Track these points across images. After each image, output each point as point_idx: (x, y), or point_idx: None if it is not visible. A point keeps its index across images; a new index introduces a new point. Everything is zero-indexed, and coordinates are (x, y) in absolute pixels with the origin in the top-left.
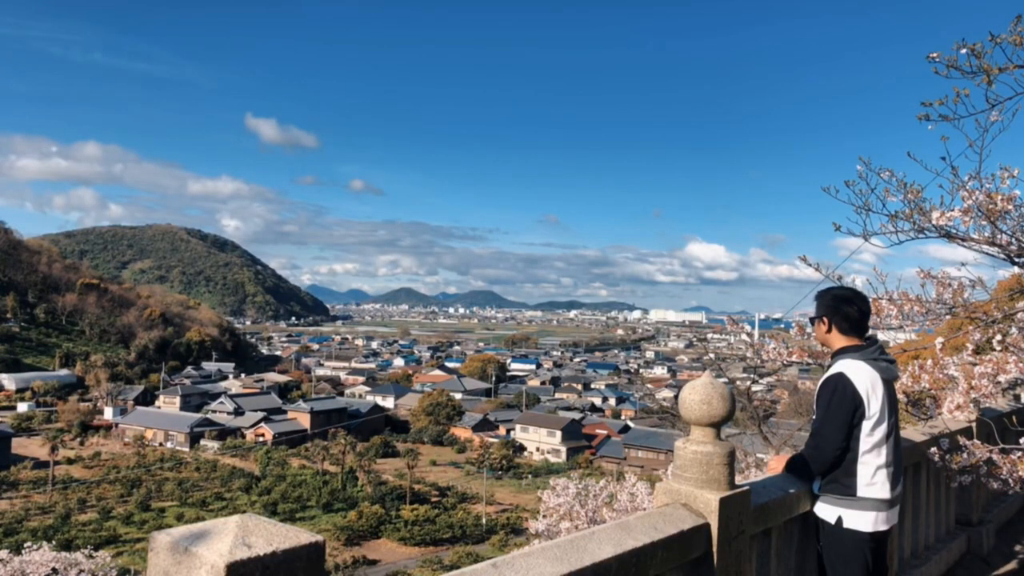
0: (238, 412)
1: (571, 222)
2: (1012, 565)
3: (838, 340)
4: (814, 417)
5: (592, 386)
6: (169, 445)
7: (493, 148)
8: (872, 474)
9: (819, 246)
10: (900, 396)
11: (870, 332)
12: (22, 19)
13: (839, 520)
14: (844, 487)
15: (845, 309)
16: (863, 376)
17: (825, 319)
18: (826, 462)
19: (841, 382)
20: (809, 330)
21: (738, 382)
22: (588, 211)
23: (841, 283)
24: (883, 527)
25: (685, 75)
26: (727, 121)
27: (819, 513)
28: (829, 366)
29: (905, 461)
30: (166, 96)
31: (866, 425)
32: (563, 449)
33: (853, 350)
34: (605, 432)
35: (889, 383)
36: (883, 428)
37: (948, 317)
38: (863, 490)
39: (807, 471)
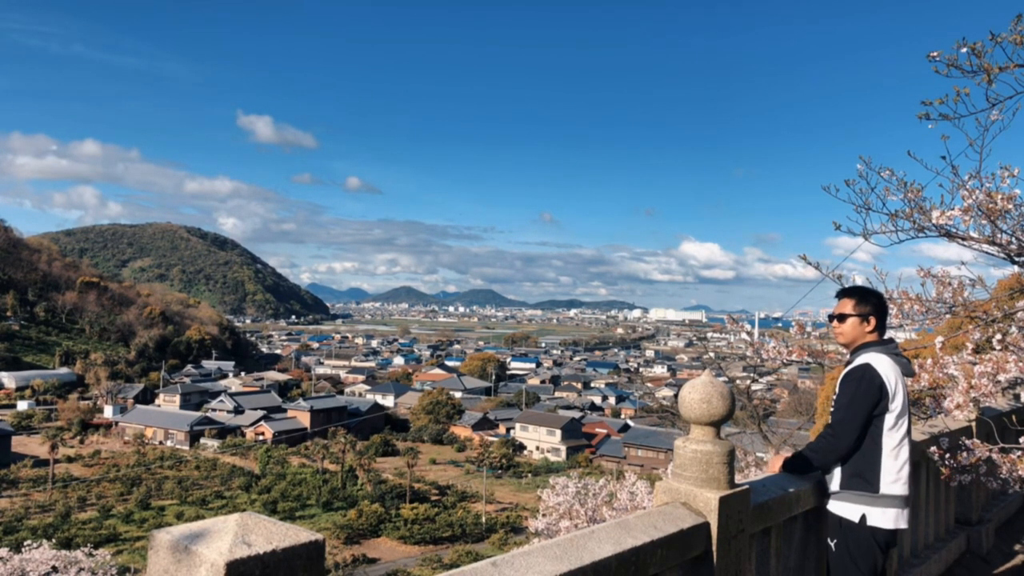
0: (238, 410)
1: (566, 220)
2: (1011, 564)
3: (870, 337)
4: (834, 407)
5: (592, 385)
6: (169, 443)
7: (487, 146)
8: (897, 470)
9: (815, 245)
10: None
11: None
12: None
13: (863, 518)
14: (867, 483)
15: (886, 310)
16: (888, 368)
17: (873, 318)
18: (839, 452)
19: (868, 372)
20: (809, 329)
21: (738, 381)
22: (583, 209)
23: (841, 282)
24: (903, 525)
25: (681, 75)
26: (721, 120)
27: (838, 511)
28: (848, 362)
29: None
30: (159, 93)
31: (889, 418)
32: (563, 448)
33: (877, 345)
34: (605, 431)
35: (905, 377)
36: (906, 423)
37: (948, 316)
38: (886, 487)
39: (805, 469)
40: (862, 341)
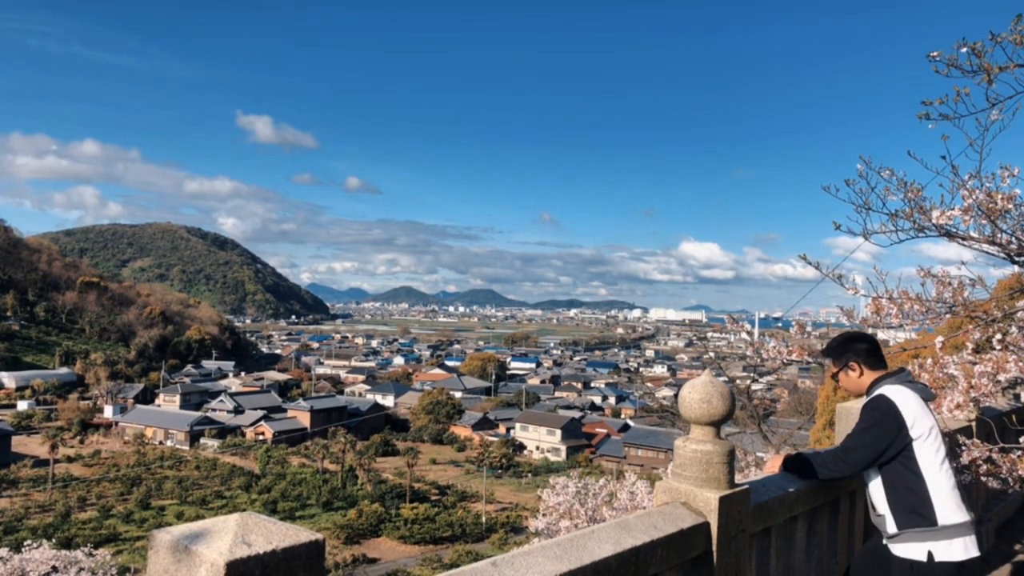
0: (238, 410)
1: (565, 220)
2: (1012, 564)
3: (870, 377)
4: (850, 433)
5: (592, 385)
6: (169, 443)
7: (485, 145)
8: (948, 496)
9: (814, 245)
10: None
11: (870, 331)
12: None
13: (930, 555)
14: (924, 519)
15: (865, 346)
16: (906, 398)
17: (855, 364)
18: (845, 473)
19: (883, 402)
20: (809, 328)
21: (738, 381)
22: (581, 209)
23: (841, 282)
24: (975, 552)
25: (678, 75)
26: (719, 120)
27: (904, 554)
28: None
29: None
30: (159, 93)
31: (919, 445)
32: (563, 448)
33: (888, 377)
34: (605, 431)
35: (928, 403)
36: (940, 445)
37: (948, 316)
38: (944, 517)
39: (806, 474)
40: (868, 381)
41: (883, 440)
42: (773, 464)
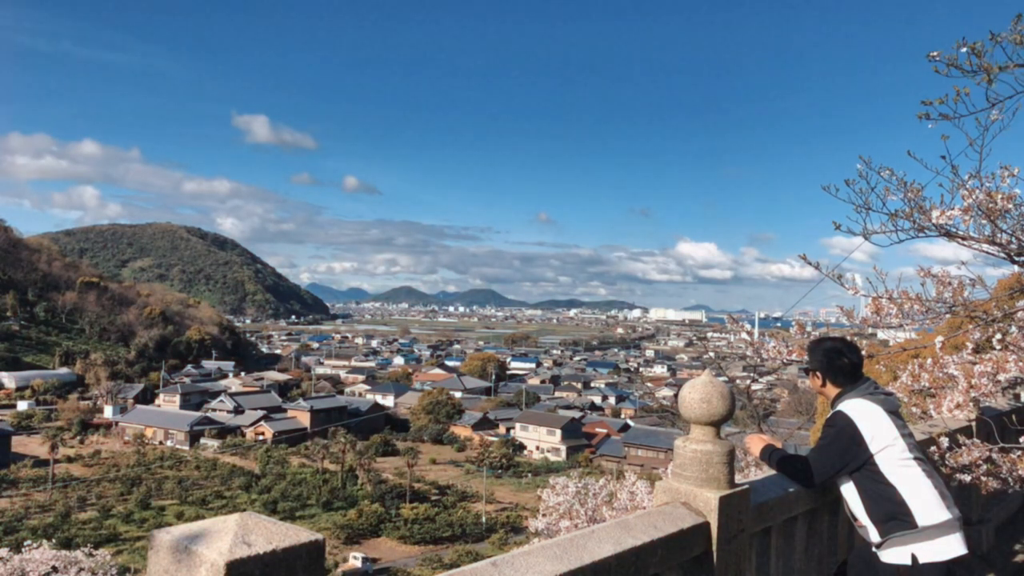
0: (238, 410)
1: (562, 220)
2: (1012, 564)
3: (833, 391)
4: (813, 448)
5: (592, 385)
6: (169, 443)
7: (481, 145)
8: (926, 497)
9: (811, 245)
10: (900, 396)
11: (871, 330)
12: None
13: (914, 558)
14: (904, 523)
15: (837, 362)
16: (863, 412)
17: (818, 374)
18: (807, 487)
19: (840, 420)
20: (809, 328)
21: (738, 381)
22: (577, 209)
23: (840, 282)
24: (962, 551)
25: (671, 73)
26: (712, 118)
27: (890, 559)
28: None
29: None
30: (154, 92)
31: (885, 457)
32: (563, 448)
33: (849, 391)
34: (605, 431)
35: (894, 413)
36: (906, 452)
37: (948, 316)
38: (924, 519)
39: (780, 469)
40: (832, 394)
41: (841, 458)
42: (754, 443)
